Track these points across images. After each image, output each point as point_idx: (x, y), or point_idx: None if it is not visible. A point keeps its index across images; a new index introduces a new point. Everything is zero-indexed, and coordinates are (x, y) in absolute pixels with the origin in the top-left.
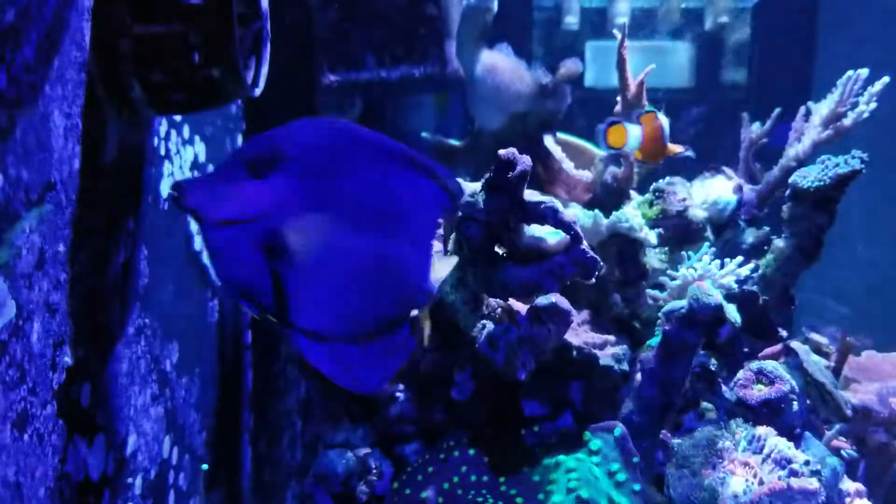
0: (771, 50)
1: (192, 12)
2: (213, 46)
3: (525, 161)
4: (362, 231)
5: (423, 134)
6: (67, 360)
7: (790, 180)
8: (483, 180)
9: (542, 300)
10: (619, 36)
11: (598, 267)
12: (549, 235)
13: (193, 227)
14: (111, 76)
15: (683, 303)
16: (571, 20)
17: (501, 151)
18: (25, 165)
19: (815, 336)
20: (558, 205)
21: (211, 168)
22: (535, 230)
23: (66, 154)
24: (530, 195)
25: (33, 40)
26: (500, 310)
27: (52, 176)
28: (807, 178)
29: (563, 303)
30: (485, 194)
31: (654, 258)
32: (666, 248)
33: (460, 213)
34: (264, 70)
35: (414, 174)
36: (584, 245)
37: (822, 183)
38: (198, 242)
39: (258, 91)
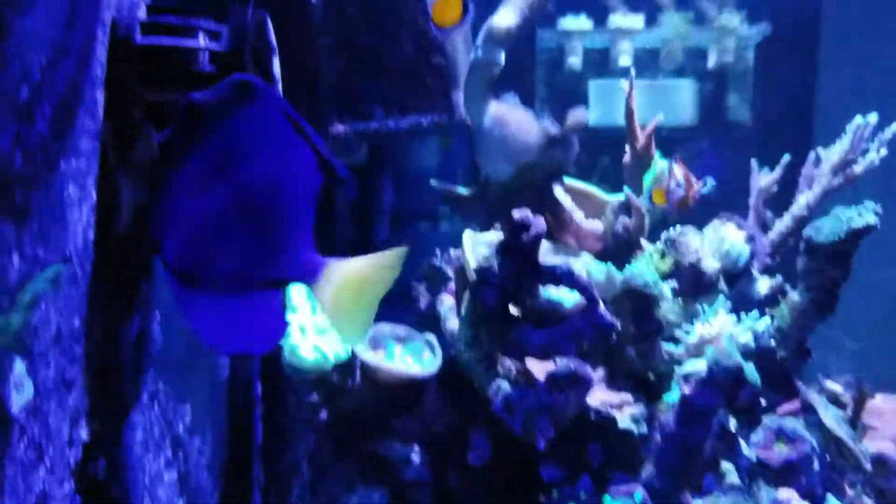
0: (773, 87)
1: (205, 78)
2: None
3: (539, 223)
4: (236, 180)
5: (432, 181)
6: (84, 434)
7: (804, 233)
8: (497, 243)
9: (561, 367)
10: (626, 87)
11: (615, 329)
12: (566, 298)
13: None
14: (123, 144)
15: (702, 365)
16: (574, 61)
17: (515, 213)
18: (41, 243)
19: (830, 385)
20: (574, 266)
21: None
22: (551, 292)
23: (81, 226)
24: (545, 255)
25: (48, 114)
26: (515, 371)
27: (67, 250)
28: (821, 231)
29: (583, 370)
30: (499, 257)
31: (668, 311)
32: (680, 300)
33: (475, 277)
34: None
35: (299, 143)
36: (601, 308)
37: (836, 237)
38: None
39: None
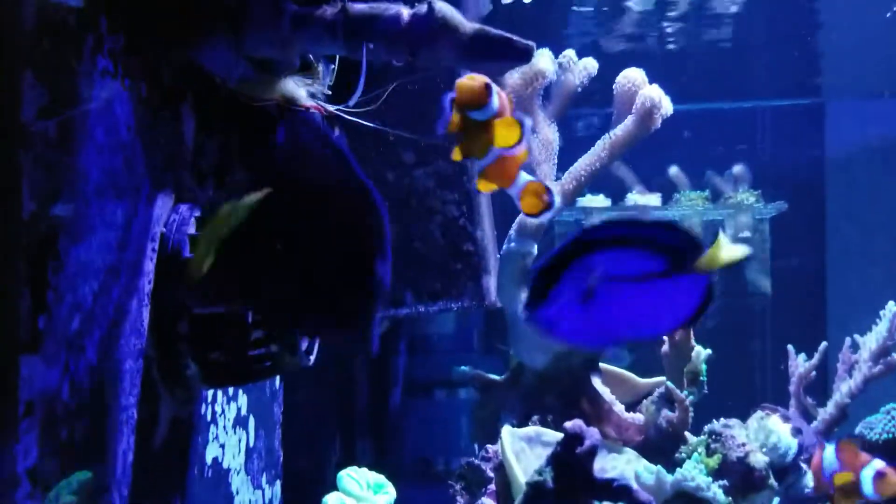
0: (787, 258)
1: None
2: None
3: (594, 434)
4: None
5: (462, 368)
6: None
7: (856, 432)
8: (549, 455)
9: None
10: None
11: None
12: None
13: (234, 487)
14: (167, 358)
15: None
16: None
17: (567, 425)
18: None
19: None
20: (628, 476)
21: (252, 420)
22: None
23: (122, 449)
24: (600, 468)
25: (96, 341)
26: None
27: (107, 480)
28: (873, 429)
29: None
30: (552, 471)
31: None
32: (730, 499)
33: (528, 491)
34: (317, 341)
35: None
36: None
37: (890, 436)
38: (237, 502)
39: (312, 359)
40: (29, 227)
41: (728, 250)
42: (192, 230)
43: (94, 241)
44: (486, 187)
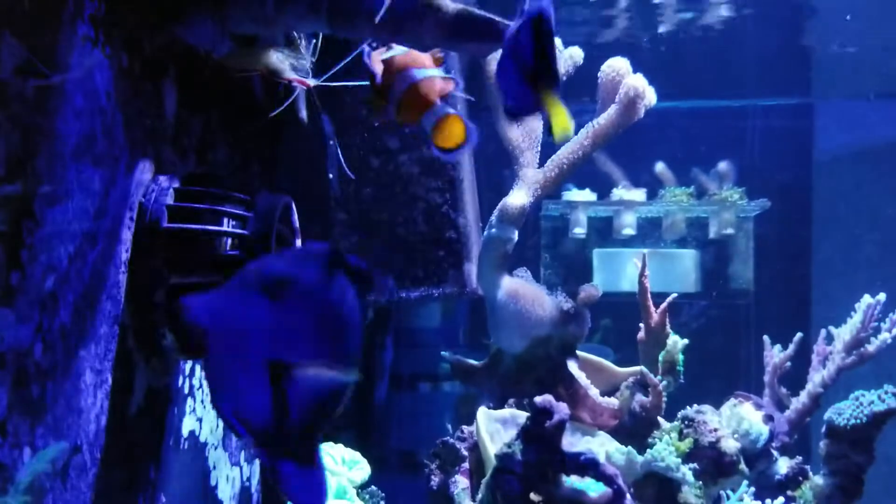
0: (771, 257)
1: (229, 262)
2: None
3: (563, 410)
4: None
5: (443, 353)
6: None
7: (825, 417)
8: (519, 429)
9: None
10: (638, 264)
11: None
12: (590, 487)
13: (210, 462)
14: (144, 327)
15: None
16: (579, 231)
17: (538, 399)
18: (54, 435)
19: None
20: (599, 456)
21: None
22: (574, 481)
23: (94, 413)
24: (569, 443)
25: (70, 302)
26: None
27: (78, 439)
28: (842, 415)
29: None
30: (521, 444)
31: (689, 495)
32: (700, 483)
33: (496, 464)
34: None
35: None
36: (628, 500)
37: (857, 421)
38: (213, 477)
39: None
40: (3, 185)
41: None
42: (170, 201)
43: (70, 206)
44: (403, 117)
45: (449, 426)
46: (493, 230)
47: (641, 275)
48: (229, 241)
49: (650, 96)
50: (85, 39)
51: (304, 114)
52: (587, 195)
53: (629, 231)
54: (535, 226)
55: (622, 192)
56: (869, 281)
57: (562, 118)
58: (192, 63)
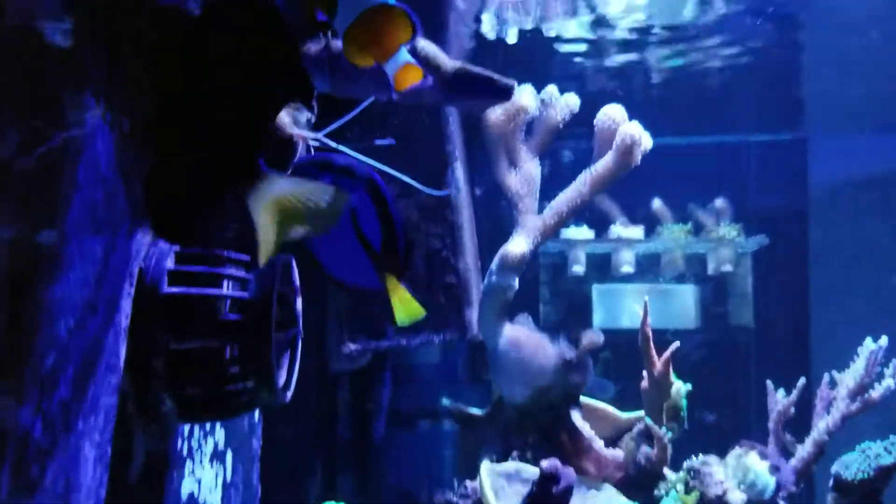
0: (770, 292)
1: (230, 327)
2: (250, 359)
3: (570, 475)
4: None
5: (444, 401)
6: None
7: (832, 471)
8: (525, 496)
9: None
10: (640, 310)
11: None
12: None
13: None
14: (143, 394)
15: None
16: (578, 268)
17: (544, 464)
18: None
19: None
20: None
21: (230, 455)
22: None
23: (94, 485)
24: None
25: (70, 376)
26: None
27: None
28: (849, 468)
29: None
30: None
31: None
32: None
33: None
34: (295, 374)
35: None
36: None
37: (865, 475)
38: None
39: (289, 395)
40: (3, 264)
41: None
42: (170, 264)
43: (72, 277)
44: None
45: (451, 467)
46: (494, 278)
47: (643, 322)
48: (229, 303)
49: (646, 142)
50: (86, 108)
51: (303, 167)
52: (585, 232)
53: (628, 268)
54: (533, 263)
55: (620, 230)
56: (869, 314)
57: (407, 307)
58: None
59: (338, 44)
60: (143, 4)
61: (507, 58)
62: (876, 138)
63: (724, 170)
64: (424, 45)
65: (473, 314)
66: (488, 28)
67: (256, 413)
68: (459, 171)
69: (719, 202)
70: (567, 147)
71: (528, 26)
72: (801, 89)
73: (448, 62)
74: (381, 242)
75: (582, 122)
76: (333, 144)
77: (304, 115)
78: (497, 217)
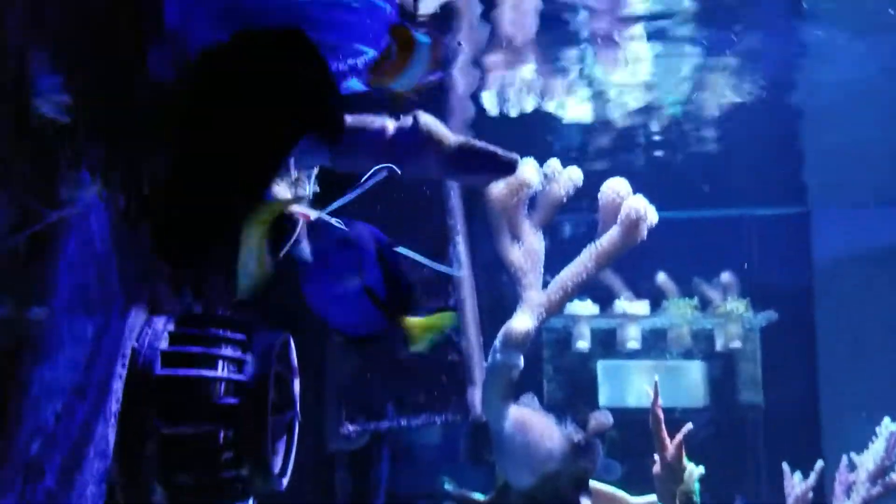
0: (778, 367)
1: (225, 411)
2: (245, 445)
3: None
4: None
5: (446, 485)
6: None
7: None
8: None
9: None
10: (651, 393)
11: None
12: None
13: None
14: (133, 482)
15: None
16: (583, 344)
17: None
18: None
19: None
20: None
21: None
22: None
23: None
24: None
25: (57, 465)
26: None
27: None
28: None
29: None
30: None
31: None
32: None
33: None
34: (292, 460)
35: None
36: None
37: None
38: None
39: (286, 481)
40: None
41: None
42: (164, 345)
43: (60, 360)
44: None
45: None
46: (498, 356)
47: (654, 403)
48: (224, 385)
49: (652, 217)
50: (81, 185)
51: (304, 245)
52: (589, 307)
53: (634, 344)
54: (535, 337)
55: (625, 304)
56: (878, 388)
57: (421, 334)
58: None
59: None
60: (141, 80)
61: (509, 132)
62: (879, 212)
63: (727, 243)
64: (427, 119)
65: (476, 394)
66: (490, 104)
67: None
68: (461, 245)
69: (725, 276)
70: (570, 220)
71: (530, 103)
72: (803, 164)
73: (451, 136)
74: (385, 287)
75: (585, 194)
76: (335, 221)
77: (304, 191)
78: (499, 292)
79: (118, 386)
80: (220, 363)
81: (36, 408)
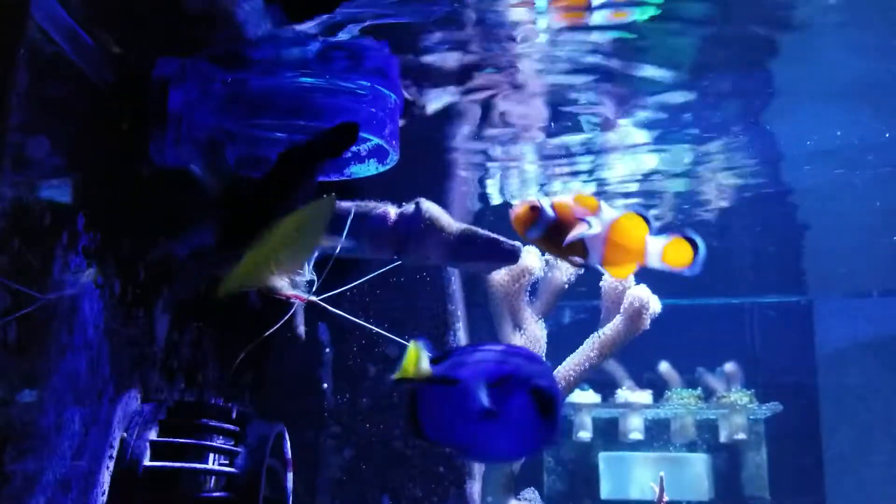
0: (784, 458)
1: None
2: None
3: None
4: None
5: None
6: None
7: None
8: None
9: None
10: (656, 489)
11: None
12: None
13: None
14: None
15: None
16: (584, 434)
17: None
18: None
19: None
20: None
21: None
22: None
23: None
24: None
25: None
26: None
27: None
28: None
29: None
30: None
31: None
32: None
33: None
34: None
35: None
36: None
37: None
38: None
39: None
40: None
41: None
42: (154, 436)
43: (45, 452)
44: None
45: None
46: None
47: (660, 500)
48: (213, 479)
49: (655, 306)
50: (76, 272)
51: (301, 329)
52: (591, 396)
53: (637, 435)
54: None
55: (627, 394)
56: (884, 477)
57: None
58: (188, 281)
59: (341, 204)
60: (140, 167)
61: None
62: (882, 301)
63: (731, 333)
64: (429, 206)
65: (476, 487)
66: (493, 192)
67: None
68: (461, 332)
69: (729, 366)
70: (572, 308)
71: (531, 191)
72: (804, 254)
73: (453, 224)
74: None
75: (587, 282)
76: (331, 309)
77: (301, 277)
78: None
79: (105, 477)
80: (211, 455)
81: (18, 501)
